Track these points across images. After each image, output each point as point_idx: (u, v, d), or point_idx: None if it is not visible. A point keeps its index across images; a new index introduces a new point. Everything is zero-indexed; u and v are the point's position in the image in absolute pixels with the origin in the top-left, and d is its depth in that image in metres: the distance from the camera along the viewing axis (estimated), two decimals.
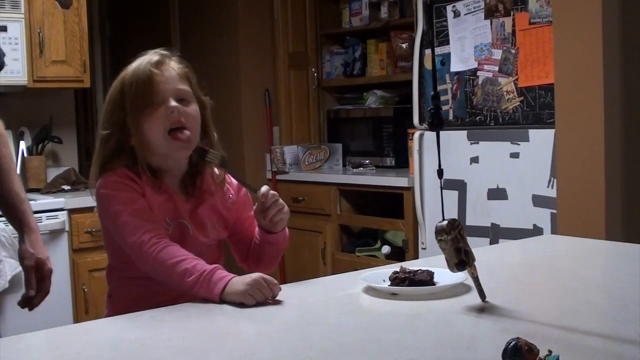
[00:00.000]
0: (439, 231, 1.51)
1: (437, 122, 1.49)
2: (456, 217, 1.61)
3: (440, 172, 1.58)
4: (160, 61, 1.83)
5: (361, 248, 4.30)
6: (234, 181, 1.99)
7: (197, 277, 1.66)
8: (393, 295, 1.65)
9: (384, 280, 1.73)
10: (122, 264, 1.85)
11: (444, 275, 1.67)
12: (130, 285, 1.87)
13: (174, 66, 1.85)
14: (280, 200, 1.88)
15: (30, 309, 2.08)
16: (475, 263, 1.55)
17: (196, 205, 1.88)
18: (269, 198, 1.84)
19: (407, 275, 1.69)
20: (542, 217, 3.19)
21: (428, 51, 3.66)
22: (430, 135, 3.66)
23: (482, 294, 1.56)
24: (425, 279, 1.68)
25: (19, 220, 2.10)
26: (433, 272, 1.71)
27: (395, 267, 1.79)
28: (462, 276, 1.62)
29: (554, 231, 3.08)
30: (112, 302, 1.90)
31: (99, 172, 1.84)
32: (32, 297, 2.05)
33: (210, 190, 1.91)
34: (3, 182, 2.10)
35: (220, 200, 1.93)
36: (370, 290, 1.70)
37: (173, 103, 1.79)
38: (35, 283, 2.05)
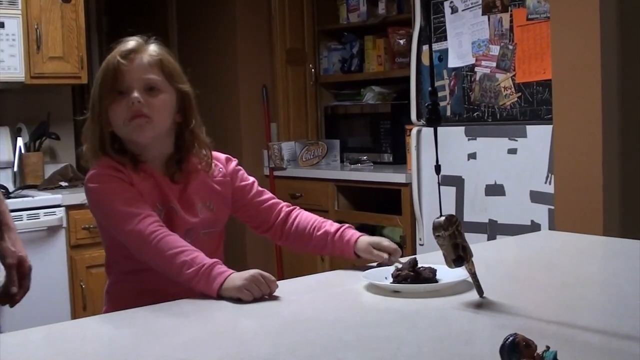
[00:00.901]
0: (436, 227, 1.51)
1: (435, 118, 1.49)
2: (454, 213, 1.61)
3: (437, 168, 1.58)
4: (133, 49, 1.83)
5: None
6: (221, 155, 2.00)
7: (196, 270, 1.66)
8: (395, 293, 1.65)
9: (385, 278, 1.72)
10: (119, 258, 1.85)
11: (447, 272, 1.66)
12: (126, 281, 1.87)
13: (147, 54, 1.84)
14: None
15: (12, 305, 2.07)
16: (473, 259, 1.55)
17: (184, 186, 1.88)
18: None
19: (410, 273, 1.69)
20: (540, 213, 3.19)
21: (426, 47, 3.66)
22: (427, 131, 3.66)
23: (479, 290, 1.56)
24: (428, 277, 1.68)
25: None
26: (436, 269, 1.70)
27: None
28: (465, 273, 1.61)
29: (551, 227, 3.09)
30: (110, 299, 1.91)
31: (91, 155, 1.86)
32: (14, 294, 2.04)
33: (196, 169, 1.91)
34: None
35: (209, 177, 1.93)
36: (372, 287, 1.69)
37: (135, 94, 1.80)
38: (17, 280, 2.04)
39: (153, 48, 1.87)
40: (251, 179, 2.03)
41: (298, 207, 2.04)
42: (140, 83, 1.82)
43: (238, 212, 2.01)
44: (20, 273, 2.05)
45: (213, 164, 1.95)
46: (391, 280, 1.70)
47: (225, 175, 1.97)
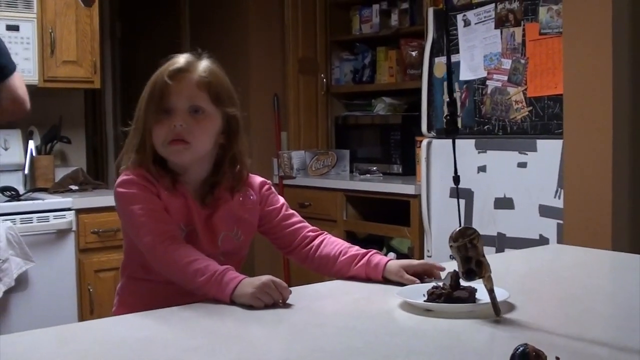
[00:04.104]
0: (450, 237, 1.50)
1: (452, 129, 1.49)
2: (467, 226, 1.56)
3: (456, 179, 1.57)
4: (182, 68, 1.81)
5: None
6: (257, 180, 1.98)
7: (208, 277, 1.66)
8: (427, 312, 1.56)
9: (423, 295, 1.62)
10: (134, 264, 1.86)
11: (486, 293, 1.53)
12: (137, 287, 1.88)
13: (197, 74, 1.82)
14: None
15: None
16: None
17: (212, 212, 1.86)
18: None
19: (445, 291, 1.59)
20: (549, 227, 3.19)
21: (437, 59, 3.67)
22: (437, 143, 3.67)
23: (496, 309, 1.49)
24: (464, 296, 1.57)
25: None
26: (475, 289, 1.59)
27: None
28: (505, 294, 1.55)
29: (559, 242, 3.08)
30: (120, 300, 1.92)
31: (126, 162, 1.85)
32: None
33: (225, 197, 1.89)
34: None
35: (238, 204, 1.91)
36: (405, 305, 1.62)
37: (178, 119, 1.79)
38: None
39: (204, 67, 1.85)
40: (280, 201, 2.01)
41: (326, 233, 2.01)
42: (186, 105, 1.80)
43: (263, 234, 2.01)
44: None
45: (245, 191, 1.93)
46: (426, 297, 1.61)
47: (255, 202, 1.95)
